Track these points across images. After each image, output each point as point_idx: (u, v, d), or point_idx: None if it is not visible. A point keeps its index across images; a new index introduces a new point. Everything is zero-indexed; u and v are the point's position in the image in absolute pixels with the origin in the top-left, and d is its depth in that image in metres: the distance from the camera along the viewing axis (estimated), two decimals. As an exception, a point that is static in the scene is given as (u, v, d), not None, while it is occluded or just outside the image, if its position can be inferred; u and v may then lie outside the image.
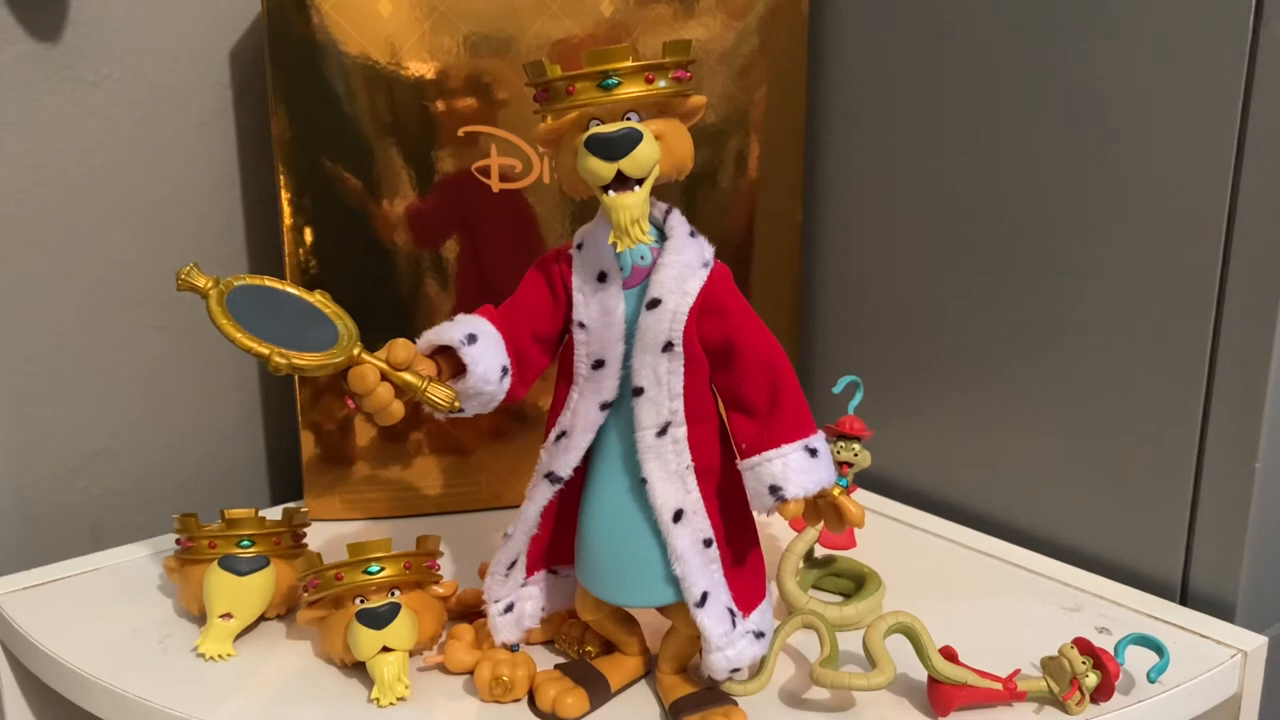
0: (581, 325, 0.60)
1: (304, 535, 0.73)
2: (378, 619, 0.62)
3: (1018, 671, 0.62)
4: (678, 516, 0.59)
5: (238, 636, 0.68)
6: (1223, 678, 0.66)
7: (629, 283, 0.59)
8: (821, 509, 0.58)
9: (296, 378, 0.85)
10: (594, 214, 0.61)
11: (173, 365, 0.91)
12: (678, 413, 0.59)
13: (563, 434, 0.61)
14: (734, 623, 0.59)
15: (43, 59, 0.81)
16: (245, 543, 0.68)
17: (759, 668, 0.61)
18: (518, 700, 0.63)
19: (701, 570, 0.59)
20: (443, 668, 0.65)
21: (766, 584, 0.63)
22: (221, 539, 0.68)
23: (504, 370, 0.60)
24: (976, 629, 0.69)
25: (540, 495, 0.62)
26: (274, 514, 0.78)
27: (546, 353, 0.62)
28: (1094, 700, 0.61)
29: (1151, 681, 0.63)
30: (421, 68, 0.81)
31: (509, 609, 0.64)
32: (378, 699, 0.62)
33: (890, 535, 0.84)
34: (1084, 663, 0.61)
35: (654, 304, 0.58)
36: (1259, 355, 0.69)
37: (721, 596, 0.59)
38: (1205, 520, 0.73)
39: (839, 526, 0.58)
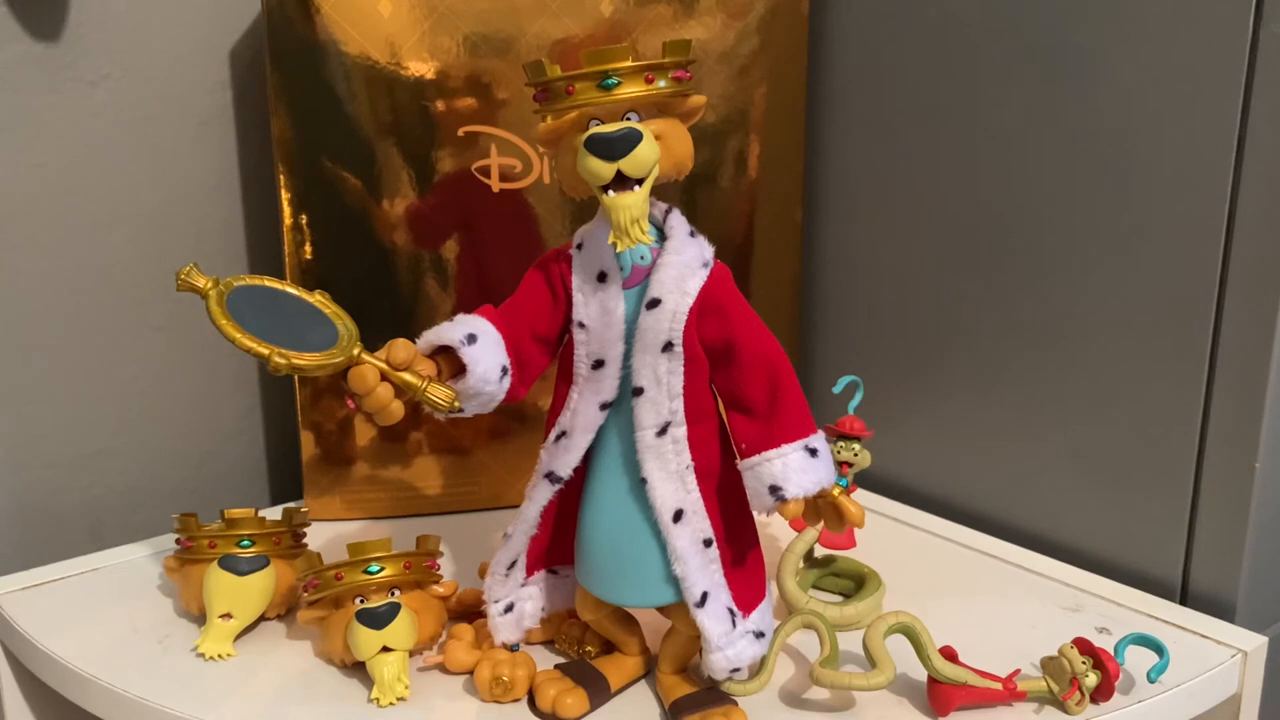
0: (581, 325, 0.60)
1: (304, 535, 0.73)
2: (378, 619, 0.62)
3: (1018, 671, 0.62)
4: (678, 516, 0.59)
5: (238, 636, 0.68)
6: (1223, 678, 0.66)
7: (629, 283, 0.59)
8: (821, 509, 0.58)
9: (296, 378, 0.85)
10: (594, 214, 0.61)
11: (173, 365, 0.91)
12: (677, 413, 0.59)
13: (562, 434, 0.61)
14: (734, 623, 0.59)
15: (43, 59, 0.81)
16: (245, 543, 0.68)
17: (759, 668, 0.61)
18: (518, 700, 0.63)
19: (701, 570, 0.59)
20: (443, 668, 0.65)
21: (766, 584, 0.63)
22: (221, 539, 0.68)
23: (504, 370, 0.60)
24: (976, 629, 0.69)
25: (540, 495, 0.62)
26: (274, 514, 0.78)
27: (546, 353, 0.62)
28: (1094, 700, 0.61)
29: (1151, 681, 0.63)
30: (421, 68, 0.81)
31: (509, 609, 0.64)
32: (378, 699, 0.62)
33: (890, 535, 0.84)
34: (1084, 663, 0.61)
35: (654, 304, 0.58)
36: (1259, 355, 0.69)
37: (721, 596, 0.59)
38: (1205, 520, 0.73)
39: (839, 526, 0.58)
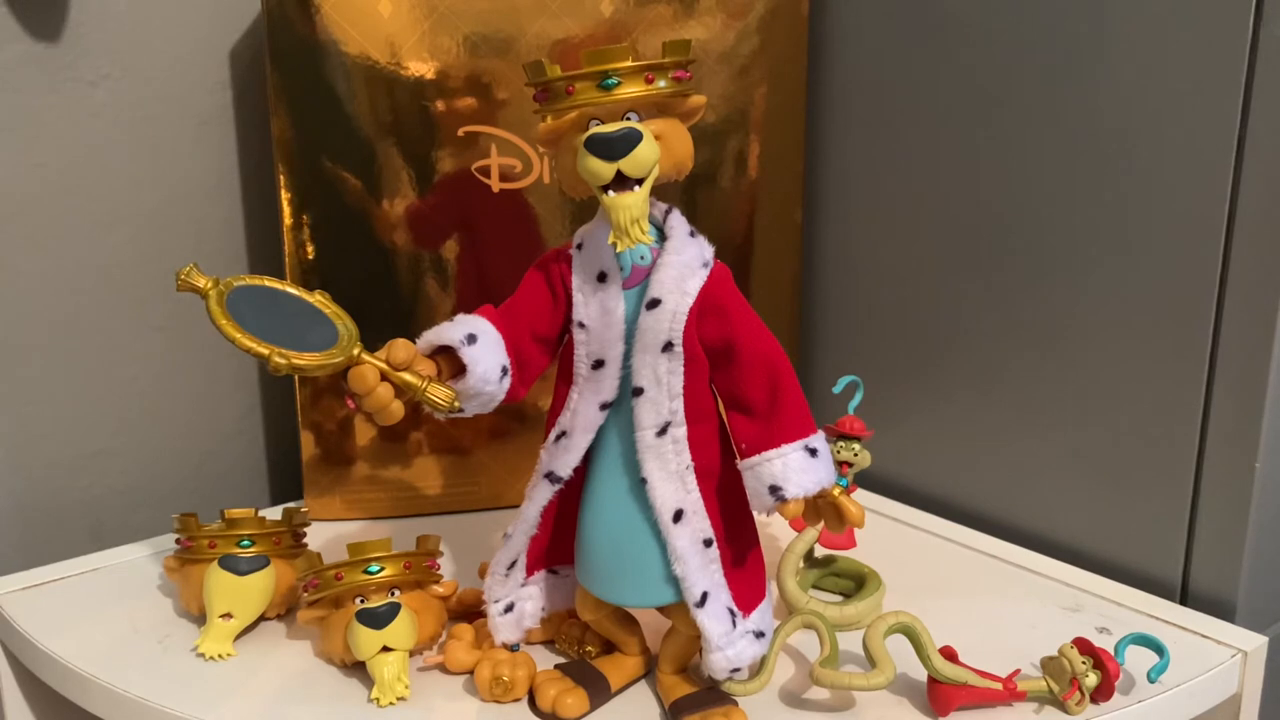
0: (581, 325, 0.60)
1: (304, 535, 0.73)
2: (378, 619, 0.62)
3: (1018, 671, 0.62)
4: (678, 516, 0.59)
5: (238, 636, 0.68)
6: (1223, 678, 0.66)
7: (629, 283, 0.59)
8: (821, 509, 0.58)
9: (296, 378, 0.85)
10: (594, 214, 0.61)
11: (173, 365, 0.91)
12: (677, 413, 0.59)
13: (562, 434, 0.61)
14: (734, 623, 0.59)
15: (43, 59, 0.81)
16: (245, 543, 0.68)
17: (759, 668, 0.61)
18: (518, 700, 0.63)
19: (701, 570, 0.59)
20: (443, 668, 0.65)
21: (766, 584, 0.63)
22: (221, 539, 0.68)
23: (504, 370, 0.60)
24: (976, 629, 0.69)
25: (540, 495, 0.62)
26: (274, 514, 0.78)
27: (546, 353, 0.62)
28: (1094, 700, 0.61)
29: (1151, 681, 0.63)
30: (421, 68, 0.81)
31: (509, 609, 0.64)
32: (378, 699, 0.62)
33: (890, 535, 0.84)
34: (1084, 663, 0.61)
35: (654, 304, 0.58)
36: (1259, 355, 0.69)
37: (721, 596, 0.59)
38: (1205, 520, 0.73)
39: (839, 526, 0.58)
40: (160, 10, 0.86)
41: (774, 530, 0.81)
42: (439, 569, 0.68)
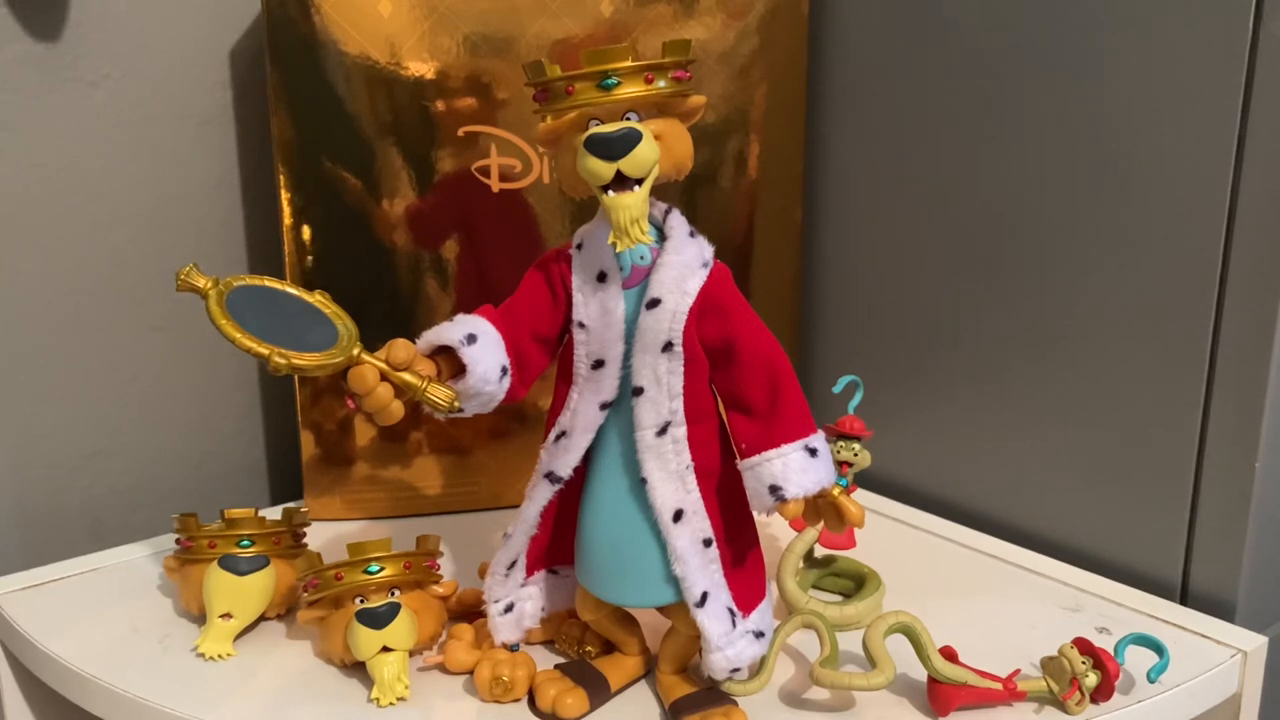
0: (581, 325, 0.60)
1: (304, 535, 0.73)
2: (377, 619, 0.62)
3: (1018, 671, 0.62)
4: (677, 516, 0.59)
5: (238, 636, 0.68)
6: (1223, 678, 0.66)
7: (629, 283, 0.59)
8: (821, 509, 0.58)
9: (296, 378, 0.85)
10: (594, 214, 0.61)
11: (173, 365, 0.91)
12: (677, 412, 0.59)
13: (562, 434, 0.61)
14: (734, 623, 0.59)
15: (43, 59, 0.81)
16: (245, 543, 0.68)
17: (759, 668, 0.61)
18: (518, 700, 0.63)
19: (701, 570, 0.59)
20: (443, 668, 0.65)
21: (766, 584, 0.63)
22: (221, 539, 0.68)
23: (504, 370, 0.60)
24: (976, 629, 0.69)
25: (540, 495, 0.62)
26: (274, 514, 0.78)
27: (546, 353, 0.62)
28: (1094, 700, 0.61)
29: (1151, 681, 0.63)
30: (421, 68, 0.81)
31: (509, 609, 0.64)
32: (378, 699, 0.62)
33: (890, 535, 0.84)
34: (1084, 663, 0.61)
35: (654, 304, 0.58)
36: (1259, 355, 0.69)
37: (721, 596, 0.59)
38: (1205, 520, 0.73)
39: (839, 526, 0.58)
40: (160, 10, 0.86)
41: (774, 530, 0.81)
42: (439, 569, 0.68)
